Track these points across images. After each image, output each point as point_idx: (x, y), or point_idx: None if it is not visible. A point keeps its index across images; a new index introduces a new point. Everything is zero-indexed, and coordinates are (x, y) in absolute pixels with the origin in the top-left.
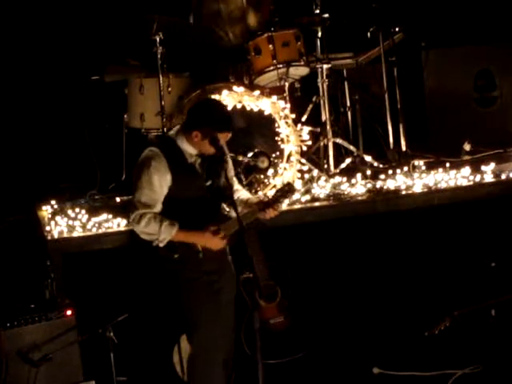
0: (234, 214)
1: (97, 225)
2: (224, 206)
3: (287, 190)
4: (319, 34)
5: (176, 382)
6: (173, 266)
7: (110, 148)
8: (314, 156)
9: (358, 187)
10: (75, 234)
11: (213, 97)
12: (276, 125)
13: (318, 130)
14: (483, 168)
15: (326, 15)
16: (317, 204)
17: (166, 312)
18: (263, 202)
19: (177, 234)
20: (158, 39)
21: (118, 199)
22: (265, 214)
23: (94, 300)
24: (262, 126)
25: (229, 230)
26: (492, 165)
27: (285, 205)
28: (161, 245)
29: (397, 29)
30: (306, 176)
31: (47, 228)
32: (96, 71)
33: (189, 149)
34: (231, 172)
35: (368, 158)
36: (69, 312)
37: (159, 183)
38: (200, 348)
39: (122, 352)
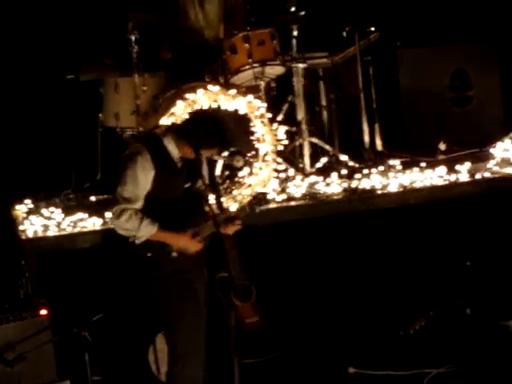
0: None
1: (72, 224)
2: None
3: (258, 199)
4: (295, 33)
5: (151, 382)
6: (146, 265)
7: (84, 147)
8: (289, 155)
9: (333, 186)
10: (50, 234)
11: (188, 96)
12: (251, 124)
13: (294, 129)
14: (458, 167)
15: (302, 13)
16: (293, 203)
17: (142, 311)
18: (225, 217)
19: (156, 233)
20: (133, 38)
21: (93, 198)
22: (226, 229)
23: (68, 299)
24: (238, 125)
25: (204, 233)
26: (467, 164)
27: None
28: (137, 242)
29: (372, 28)
30: (282, 175)
31: (21, 227)
32: (71, 70)
33: (174, 151)
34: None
35: (344, 158)
36: (43, 311)
37: (144, 179)
38: (182, 348)
39: (96, 351)
